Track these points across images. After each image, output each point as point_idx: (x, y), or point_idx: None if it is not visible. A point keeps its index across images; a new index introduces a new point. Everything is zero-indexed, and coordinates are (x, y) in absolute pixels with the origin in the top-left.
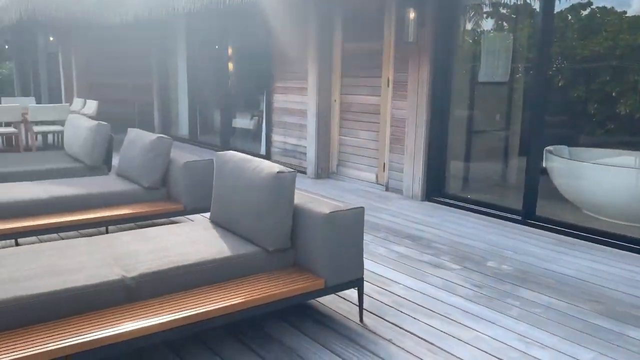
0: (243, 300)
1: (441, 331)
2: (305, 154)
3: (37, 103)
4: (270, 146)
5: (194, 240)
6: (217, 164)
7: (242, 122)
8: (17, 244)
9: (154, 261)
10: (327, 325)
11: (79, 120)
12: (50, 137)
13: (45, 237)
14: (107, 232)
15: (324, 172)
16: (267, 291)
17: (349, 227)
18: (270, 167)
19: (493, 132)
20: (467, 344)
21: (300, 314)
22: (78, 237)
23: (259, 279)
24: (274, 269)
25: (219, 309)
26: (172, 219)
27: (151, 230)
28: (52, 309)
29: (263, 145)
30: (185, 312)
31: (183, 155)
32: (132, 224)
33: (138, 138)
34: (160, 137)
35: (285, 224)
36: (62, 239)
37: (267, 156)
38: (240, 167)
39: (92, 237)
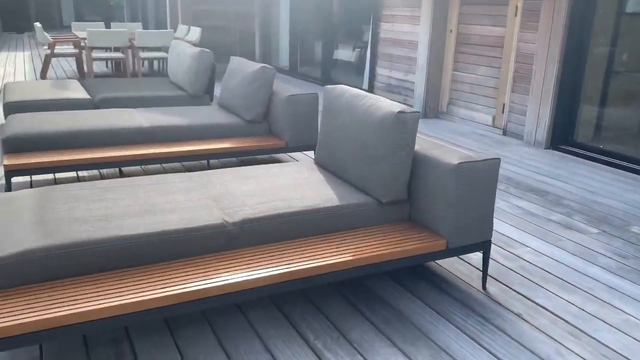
0: (353, 257)
1: (582, 310)
2: (412, 90)
3: (143, 29)
4: (374, 80)
5: (298, 183)
6: (325, 99)
7: (344, 53)
8: (121, 173)
9: (256, 206)
10: (444, 291)
11: (182, 47)
12: (155, 63)
13: (148, 167)
14: (208, 165)
15: (432, 111)
16: (379, 249)
17: (481, 181)
18: (388, 106)
19: (637, 74)
20: (616, 329)
21: (412, 274)
22: (179, 172)
23: (369, 233)
24: (386, 223)
25: (327, 265)
26: (273, 155)
27: (252, 169)
28: (146, 253)
29: (366, 79)
30: (291, 265)
31: (286, 87)
32: (232, 159)
33: (240, 67)
34: (264, 67)
35: (403, 173)
36: (165, 170)
37: (370, 91)
38: (352, 105)
39: (192, 173)
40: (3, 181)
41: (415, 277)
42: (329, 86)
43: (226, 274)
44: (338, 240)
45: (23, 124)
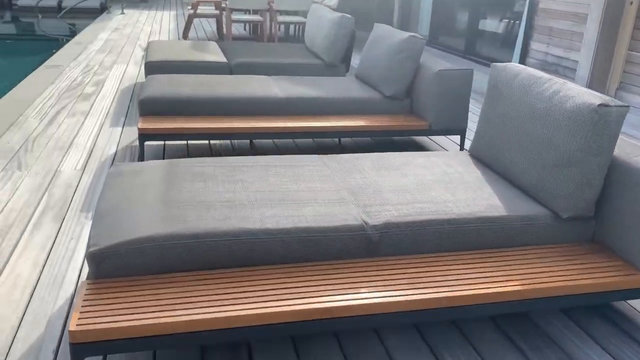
0: (524, 286)
1: None
2: (573, 69)
3: None
4: (526, 56)
5: (450, 180)
6: (492, 79)
7: (492, 24)
8: (251, 145)
9: (401, 207)
10: (631, 336)
11: (322, 11)
12: (291, 28)
13: (279, 141)
14: (339, 143)
15: None
16: (559, 278)
17: None
18: (584, 95)
19: None
20: None
21: (586, 307)
22: (310, 148)
23: (541, 255)
24: (564, 243)
25: (492, 294)
26: (413, 138)
27: (394, 156)
28: (274, 251)
29: (516, 54)
30: (445, 289)
31: (435, 60)
32: (366, 138)
33: (385, 36)
34: (412, 36)
35: (594, 184)
36: (296, 145)
37: None
38: (529, 90)
39: (328, 157)
40: (137, 143)
41: (591, 311)
42: (498, 64)
43: (363, 290)
44: (501, 260)
45: (160, 86)
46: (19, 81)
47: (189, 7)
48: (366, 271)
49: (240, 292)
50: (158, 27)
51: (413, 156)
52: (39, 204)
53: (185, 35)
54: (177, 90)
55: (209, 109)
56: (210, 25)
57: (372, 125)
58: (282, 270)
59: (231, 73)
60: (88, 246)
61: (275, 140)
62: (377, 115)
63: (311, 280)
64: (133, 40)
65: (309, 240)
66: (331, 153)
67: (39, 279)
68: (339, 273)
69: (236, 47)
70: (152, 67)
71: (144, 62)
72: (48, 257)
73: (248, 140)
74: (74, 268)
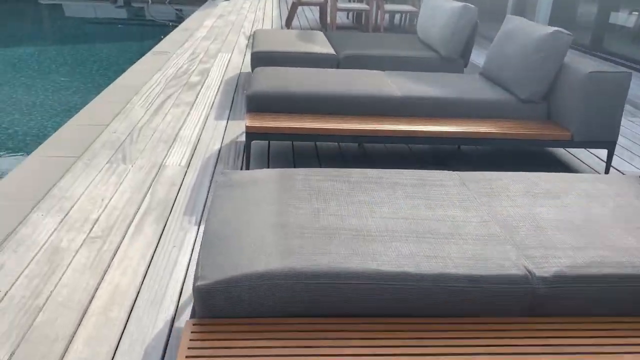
0: None
1: None
2: None
3: None
4: None
5: (626, 216)
6: None
7: (626, 18)
8: (359, 147)
9: (574, 253)
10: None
11: (439, 1)
12: (397, 17)
13: (393, 145)
14: (458, 149)
15: None
16: None
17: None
18: None
19: None
20: None
21: None
22: (427, 156)
23: None
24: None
25: None
26: (550, 149)
27: (547, 179)
28: (410, 301)
29: None
30: None
31: (583, 60)
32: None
33: (520, 30)
34: (557, 32)
35: None
36: (411, 151)
37: None
38: None
39: (464, 174)
40: (241, 139)
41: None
42: None
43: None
44: None
45: (268, 81)
46: (129, 67)
47: None
48: (528, 334)
49: (371, 348)
50: (261, 15)
51: (572, 180)
52: (141, 203)
53: (288, 24)
54: (285, 85)
55: (317, 106)
56: (312, 13)
57: (503, 132)
58: (420, 326)
59: (339, 66)
60: (196, 277)
61: (387, 145)
62: (508, 120)
63: (456, 339)
64: (237, 27)
65: (455, 290)
66: (449, 160)
67: (138, 293)
68: (491, 332)
69: (343, 37)
70: (259, 58)
71: (249, 52)
72: (148, 267)
73: (356, 144)
74: (175, 283)
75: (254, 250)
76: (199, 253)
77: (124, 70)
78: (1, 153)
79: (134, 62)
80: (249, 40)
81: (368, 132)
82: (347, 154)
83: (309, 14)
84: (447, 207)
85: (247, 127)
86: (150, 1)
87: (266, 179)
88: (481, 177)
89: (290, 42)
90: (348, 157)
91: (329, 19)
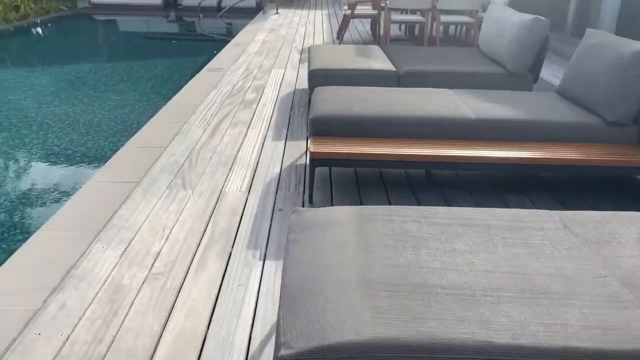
0: None
1: None
2: None
3: None
4: None
5: None
6: None
7: None
8: (427, 174)
9: None
10: None
11: (505, 12)
12: (451, 28)
13: (464, 173)
14: (535, 176)
15: None
16: None
17: None
18: None
19: None
20: None
21: None
22: (500, 185)
23: None
24: None
25: None
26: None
27: None
28: None
29: None
30: None
31: None
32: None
33: (606, 46)
34: None
35: None
36: (485, 178)
37: None
38: None
39: (566, 214)
40: (301, 162)
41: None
42: None
43: None
44: None
45: (330, 102)
46: (184, 83)
47: (345, 8)
48: None
49: None
50: (312, 29)
51: None
52: (203, 234)
53: (340, 37)
54: (349, 108)
55: (383, 129)
56: (363, 26)
57: (589, 158)
58: None
59: (399, 83)
60: (278, 345)
61: (459, 172)
62: (592, 144)
63: None
64: (289, 42)
65: None
66: (527, 189)
67: (204, 340)
68: None
69: (401, 52)
70: (316, 76)
71: (303, 67)
72: (213, 310)
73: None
74: (243, 329)
75: (339, 311)
76: (278, 313)
77: (179, 88)
78: (60, 178)
79: (189, 79)
80: (301, 54)
81: (439, 158)
82: (414, 180)
83: (359, 27)
84: (553, 257)
85: (311, 152)
86: (201, 15)
87: (344, 219)
88: (585, 219)
89: (347, 58)
90: (415, 184)
91: (382, 31)
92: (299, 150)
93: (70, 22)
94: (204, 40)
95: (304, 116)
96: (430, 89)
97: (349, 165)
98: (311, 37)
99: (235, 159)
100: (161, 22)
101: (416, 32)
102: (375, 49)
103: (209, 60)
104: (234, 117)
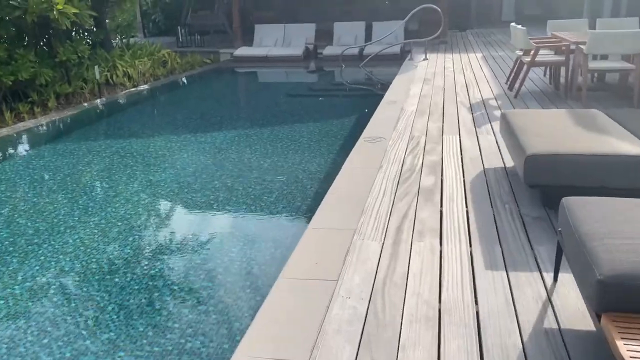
0: None
1: None
2: None
3: None
4: None
5: None
6: None
7: None
8: None
9: None
10: None
11: None
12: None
13: None
14: None
15: None
16: None
17: None
18: None
19: None
20: None
21: None
22: None
23: None
24: None
25: None
26: None
27: None
28: None
29: None
30: None
31: None
32: None
33: None
34: None
35: None
36: None
37: None
38: None
39: None
40: (552, 323)
41: None
42: None
43: None
44: None
45: (626, 243)
46: (338, 157)
47: (519, 52)
48: None
49: None
50: (472, 76)
51: None
52: None
53: (513, 88)
54: None
55: None
56: (533, 71)
57: None
58: None
59: None
60: None
61: None
62: None
63: None
64: (451, 95)
65: None
66: None
67: None
68: None
69: (632, 118)
70: (539, 167)
71: (486, 134)
72: None
73: None
74: None
75: None
76: None
77: (332, 169)
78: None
79: (341, 150)
80: (472, 113)
81: None
82: None
83: (530, 72)
84: None
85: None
86: (343, 65)
87: None
88: None
89: (572, 134)
90: None
91: (568, 79)
92: (535, 293)
93: (216, 75)
94: (351, 95)
95: (517, 219)
96: None
97: None
98: (475, 88)
99: (440, 312)
100: (302, 73)
101: (618, 82)
102: (597, 115)
103: (360, 121)
104: (415, 220)
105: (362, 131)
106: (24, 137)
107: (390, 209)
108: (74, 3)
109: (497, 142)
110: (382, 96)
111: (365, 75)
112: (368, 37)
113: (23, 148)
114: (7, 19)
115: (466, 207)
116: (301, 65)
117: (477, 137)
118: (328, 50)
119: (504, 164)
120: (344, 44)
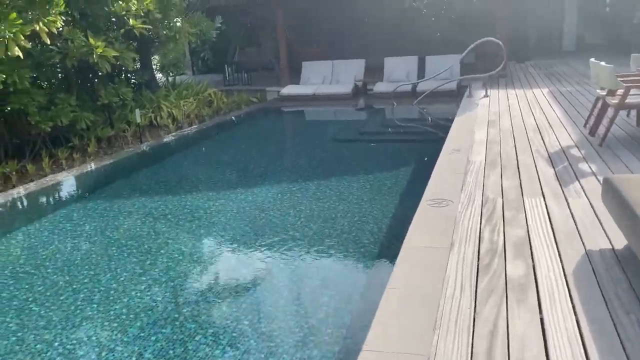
0: None
1: None
2: None
3: None
4: None
5: None
6: None
7: None
8: None
9: None
10: None
11: None
12: None
13: None
14: None
15: None
16: None
17: None
18: None
19: None
20: None
21: None
22: None
23: None
24: None
25: None
26: None
27: None
28: None
29: None
30: None
31: None
32: None
33: None
34: None
35: None
36: None
37: None
38: None
39: None
40: None
41: None
42: None
43: None
44: None
45: None
46: (395, 226)
47: (601, 91)
48: None
49: None
50: (542, 117)
51: None
52: None
53: (595, 133)
54: None
55: None
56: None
57: None
58: None
59: None
60: None
61: None
62: None
63: None
64: (523, 142)
65: None
66: None
67: None
68: None
69: None
70: None
71: (577, 197)
72: None
73: None
74: None
75: None
76: None
77: (385, 236)
78: None
79: (394, 211)
80: (553, 167)
81: None
82: None
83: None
84: None
85: None
86: (395, 103)
87: None
88: None
89: None
90: None
91: None
92: None
93: (263, 115)
94: (406, 140)
95: None
96: None
97: None
98: (550, 133)
99: None
100: (348, 111)
101: None
102: None
103: (417, 173)
104: (509, 338)
105: (420, 186)
106: (52, 191)
107: (472, 319)
108: (115, 46)
109: (592, 209)
110: (441, 140)
111: (420, 115)
112: (421, 71)
113: (50, 208)
114: (48, 64)
115: (574, 312)
116: (350, 104)
117: (567, 200)
118: (379, 87)
119: (610, 243)
120: (395, 80)
